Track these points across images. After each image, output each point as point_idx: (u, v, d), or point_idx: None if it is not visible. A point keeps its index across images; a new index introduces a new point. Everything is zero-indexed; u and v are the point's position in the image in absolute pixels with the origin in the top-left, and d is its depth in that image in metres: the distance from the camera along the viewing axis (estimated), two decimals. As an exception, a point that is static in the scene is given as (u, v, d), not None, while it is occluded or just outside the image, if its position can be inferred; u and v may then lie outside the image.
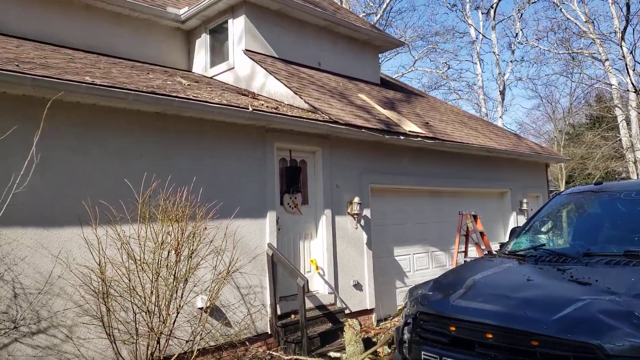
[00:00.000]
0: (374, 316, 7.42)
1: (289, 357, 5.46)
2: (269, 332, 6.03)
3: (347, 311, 6.89)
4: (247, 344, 5.66)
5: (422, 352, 2.83)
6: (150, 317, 4.36)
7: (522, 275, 3.12)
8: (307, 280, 5.95)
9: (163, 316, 4.39)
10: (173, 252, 4.52)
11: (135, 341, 4.39)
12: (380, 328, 7.09)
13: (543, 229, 4.14)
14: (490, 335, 2.59)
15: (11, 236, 4.29)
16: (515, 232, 4.16)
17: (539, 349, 2.43)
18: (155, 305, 4.41)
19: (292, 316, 6.21)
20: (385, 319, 7.66)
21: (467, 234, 7.60)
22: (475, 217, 7.43)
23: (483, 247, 7.24)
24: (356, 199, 7.19)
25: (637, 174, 20.14)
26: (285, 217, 6.66)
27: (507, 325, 2.54)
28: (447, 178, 8.92)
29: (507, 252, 3.82)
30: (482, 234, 7.27)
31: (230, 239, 5.38)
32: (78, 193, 4.70)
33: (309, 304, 6.31)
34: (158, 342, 4.40)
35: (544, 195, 11.67)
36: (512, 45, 25.85)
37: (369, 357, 4.88)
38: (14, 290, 4.28)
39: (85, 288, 4.51)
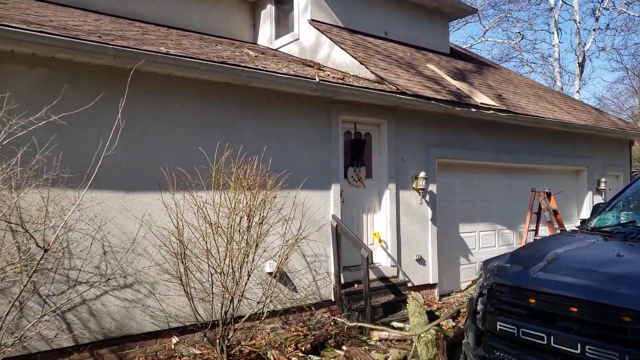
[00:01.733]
0: (436, 291, 7.35)
1: (354, 324, 5.56)
2: (333, 300, 6.16)
3: (409, 284, 6.88)
4: (313, 309, 5.82)
5: (498, 323, 2.78)
6: (224, 278, 4.58)
7: (611, 250, 2.95)
8: (371, 252, 5.98)
9: (236, 278, 4.60)
10: (245, 218, 4.69)
11: (211, 300, 4.64)
12: (443, 303, 7.03)
13: (630, 206, 3.86)
14: (574, 309, 2.49)
15: (99, 198, 4.63)
16: (598, 209, 3.92)
17: (631, 326, 2.31)
18: (229, 267, 4.62)
19: (355, 285, 6.29)
20: (448, 294, 7.58)
21: (538, 212, 7.26)
22: (548, 194, 7.06)
23: (556, 226, 6.89)
24: (422, 174, 7.06)
25: None
26: (349, 190, 6.68)
27: (596, 299, 2.42)
28: (518, 154, 8.52)
29: (589, 229, 3.61)
30: (555, 212, 6.91)
31: (296, 209, 5.50)
32: (156, 160, 4.97)
33: (371, 275, 6.36)
34: (231, 302, 4.63)
35: (625, 175, 10.86)
36: (597, 12, 23.63)
37: (434, 329, 4.86)
38: (103, 248, 4.65)
39: (165, 249, 4.82)
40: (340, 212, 6.32)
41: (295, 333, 5.56)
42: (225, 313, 4.66)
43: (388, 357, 4.69)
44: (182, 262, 4.57)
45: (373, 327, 5.42)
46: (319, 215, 6.11)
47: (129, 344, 4.82)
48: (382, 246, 6.83)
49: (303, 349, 4.92)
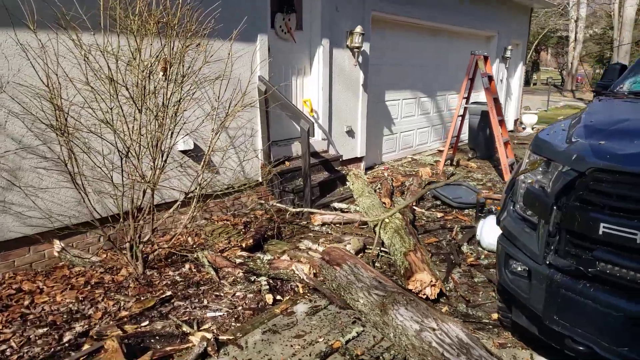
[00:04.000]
0: (362, 164, 6.73)
1: (296, 210, 4.64)
2: (261, 181, 5.10)
3: (340, 159, 6.09)
4: (241, 193, 4.72)
5: (602, 225, 1.93)
6: (137, 160, 3.15)
7: None
8: (313, 124, 4.90)
9: (156, 161, 3.20)
10: (161, 74, 3.14)
11: (122, 193, 3.22)
12: (374, 177, 6.46)
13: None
14: None
15: None
16: (615, 71, 3.33)
17: None
18: (137, 144, 3.17)
19: (287, 163, 5.27)
20: (372, 168, 7.06)
21: (473, 77, 6.74)
22: (486, 58, 6.50)
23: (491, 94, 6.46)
24: (358, 29, 5.88)
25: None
26: (277, 44, 5.26)
27: None
28: (446, 10, 7.69)
29: (627, 93, 2.98)
30: (490, 78, 6.45)
31: (215, 66, 3.98)
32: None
33: (302, 151, 5.36)
34: (145, 193, 3.28)
35: (523, 44, 10.97)
36: None
37: (399, 212, 4.19)
38: None
39: (30, 118, 3.11)
40: (267, 74, 4.97)
41: (221, 223, 4.49)
42: (137, 208, 3.33)
43: (346, 246, 3.95)
44: (65, 140, 2.97)
45: (321, 212, 4.59)
46: (242, 76, 4.66)
47: (-15, 258, 3.28)
48: (313, 116, 5.77)
49: (244, 245, 3.91)
